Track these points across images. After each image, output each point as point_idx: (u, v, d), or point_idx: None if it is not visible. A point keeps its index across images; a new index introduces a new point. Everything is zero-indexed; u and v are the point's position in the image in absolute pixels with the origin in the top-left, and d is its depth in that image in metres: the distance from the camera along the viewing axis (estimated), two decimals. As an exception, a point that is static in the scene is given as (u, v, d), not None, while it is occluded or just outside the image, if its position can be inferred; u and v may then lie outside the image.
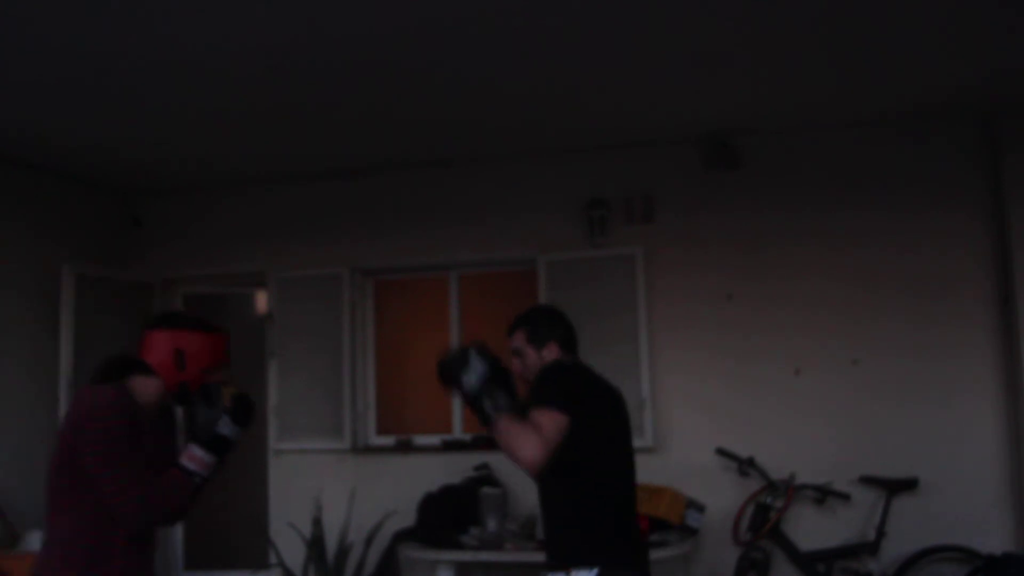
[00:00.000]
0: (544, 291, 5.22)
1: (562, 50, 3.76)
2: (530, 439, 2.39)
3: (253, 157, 5.32)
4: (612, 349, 5.04)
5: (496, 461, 5.08)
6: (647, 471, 4.77)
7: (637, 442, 4.89)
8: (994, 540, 4.46)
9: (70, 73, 3.83)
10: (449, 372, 2.63)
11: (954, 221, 4.74)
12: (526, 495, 4.99)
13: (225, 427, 2.36)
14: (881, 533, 4.50)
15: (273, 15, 3.31)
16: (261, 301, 6.05)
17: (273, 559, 5.20)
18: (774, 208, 4.98)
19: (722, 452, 4.79)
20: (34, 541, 4.60)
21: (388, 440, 5.59)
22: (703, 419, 4.95)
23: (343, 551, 5.04)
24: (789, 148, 5.00)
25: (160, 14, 3.27)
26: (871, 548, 4.51)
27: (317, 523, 5.12)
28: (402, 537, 4.76)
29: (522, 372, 2.78)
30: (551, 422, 2.43)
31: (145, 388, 2.35)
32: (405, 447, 5.47)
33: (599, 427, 2.63)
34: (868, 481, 4.63)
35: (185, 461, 2.30)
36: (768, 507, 4.56)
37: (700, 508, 4.45)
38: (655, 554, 4.23)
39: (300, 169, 5.60)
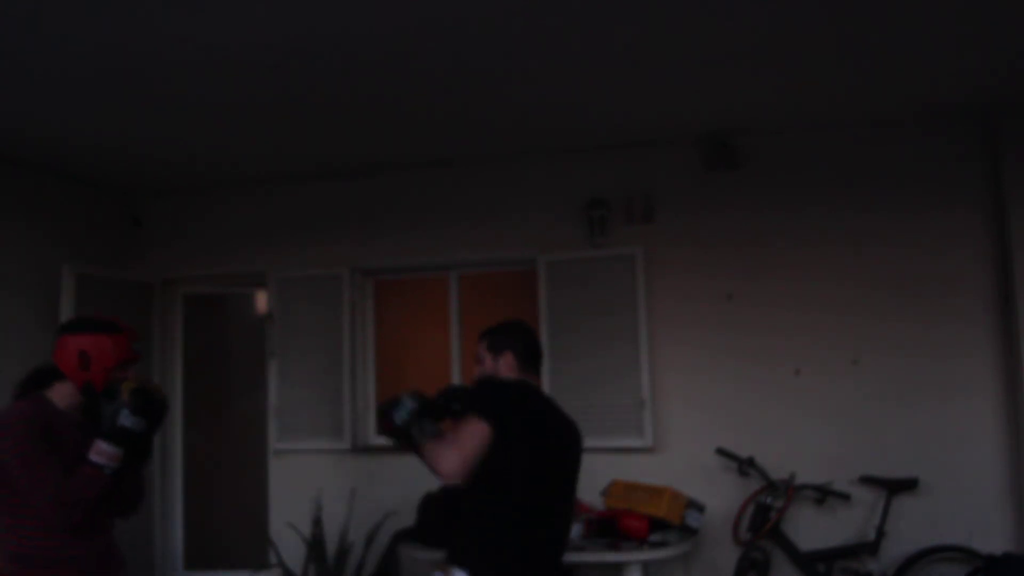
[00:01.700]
0: (544, 291, 5.22)
1: (562, 50, 3.76)
2: (446, 454, 2.55)
3: (253, 157, 5.32)
4: (612, 349, 5.06)
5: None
6: (647, 471, 4.81)
7: (637, 442, 4.95)
8: (994, 540, 4.46)
9: (71, 73, 3.82)
10: (383, 413, 2.81)
11: (954, 221, 4.74)
12: (526, 495, 4.99)
13: (125, 419, 2.51)
14: (881, 533, 4.50)
15: (273, 14, 3.31)
16: (261, 301, 6.05)
17: (273, 559, 5.20)
18: (774, 208, 4.98)
19: (722, 452, 4.79)
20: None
21: (388, 440, 5.58)
22: (703, 419, 4.95)
23: (343, 551, 5.04)
24: (789, 148, 4.99)
25: (160, 14, 3.27)
26: (871, 548, 4.51)
27: (317, 523, 5.12)
28: (402, 537, 4.76)
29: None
30: (469, 433, 2.55)
31: (63, 393, 2.61)
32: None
33: (525, 447, 2.63)
34: (868, 481, 4.63)
35: (92, 455, 2.49)
36: (768, 507, 4.56)
37: (700, 508, 4.45)
38: (655, 554, 4.24)
39: (301, 169, 5.60)
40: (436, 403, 2.82)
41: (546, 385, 5.14)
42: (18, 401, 2.61)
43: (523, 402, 2.73)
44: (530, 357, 2.89)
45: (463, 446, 2.54)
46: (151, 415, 2.59)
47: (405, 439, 2.73)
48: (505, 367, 2.84)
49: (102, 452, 2.49)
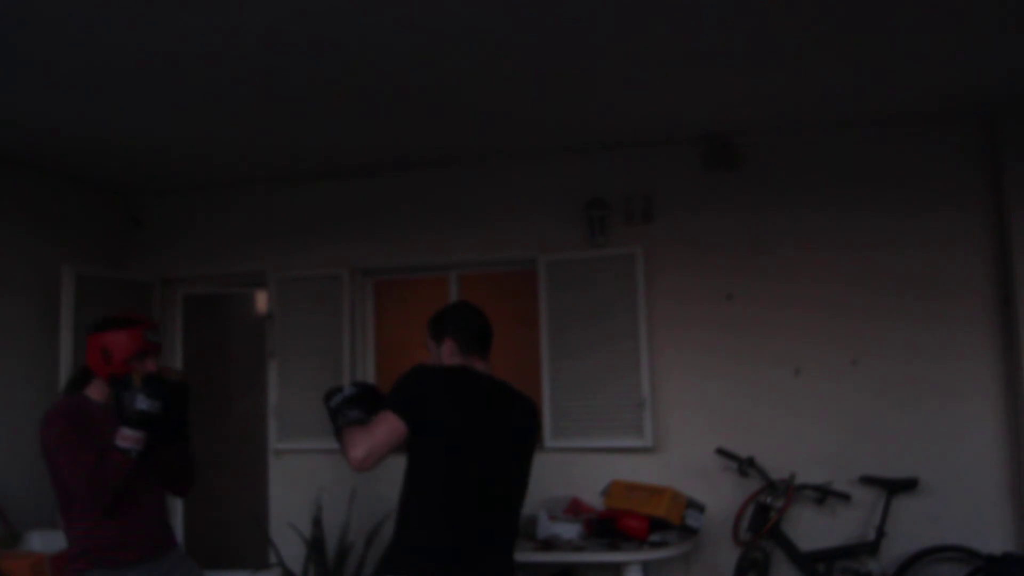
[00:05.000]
0: (544, 291, 5.22)
1: (562, 50, 3.76)
2: (356, 441, 2.54)
3: (253, 157, 5.32)
4: (612, 349, 5.05)
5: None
6: (647, 471, 4.82)
7: (637, 442, 4.95)
8: (994, 540, 4.47)
9: (71, 72, 3.82)
10: (326, 397, 2.85)
11: (955, 222, 4.74)
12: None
13: (141, 402, 2.71)
14: (881, 533, 4.50)
15: (274, 14, 3.31)
16: (261, 301, 6.05)
17: (273, 559, 5.20)
18: (774, 208, 4.98)
19: (722, 452, 4.79)
20: (34, 541, 4.59)
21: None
22: (703, 419, 4.95)
23: (343, 551, 5.04)
24: (789, 148, 4.99)
25: (160, 13, 3.26)
26: (871, 548, 4.51)
27: (317, 523, 5.12)
28: (402, 537, 4.75)
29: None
30: (383, 426, 2.54)
31: (98, 388, 2.89)
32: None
33: (441, 437, 2.56)
34: (868, 481, 4.63)
35: (118, 441, 2.70)
36: (768, 507, 4.56)
37: (700, 508, 4.45)
38: (655, 554, 4.24)
39: (300, 169, 5.60)
40: (376, 396, 2.80)
41: (546, 385, 5.15)
42: (60, 399, 2.91)
43: (445, 387, 2.62)
44: (472, 341, 2.80)
45: (372, 437, 2.52)
46: (168, 397, 2.78)
47: (331, 421, 2.75)
48: (447, 353, 2.79)
49: (126, 437, 2.69)
